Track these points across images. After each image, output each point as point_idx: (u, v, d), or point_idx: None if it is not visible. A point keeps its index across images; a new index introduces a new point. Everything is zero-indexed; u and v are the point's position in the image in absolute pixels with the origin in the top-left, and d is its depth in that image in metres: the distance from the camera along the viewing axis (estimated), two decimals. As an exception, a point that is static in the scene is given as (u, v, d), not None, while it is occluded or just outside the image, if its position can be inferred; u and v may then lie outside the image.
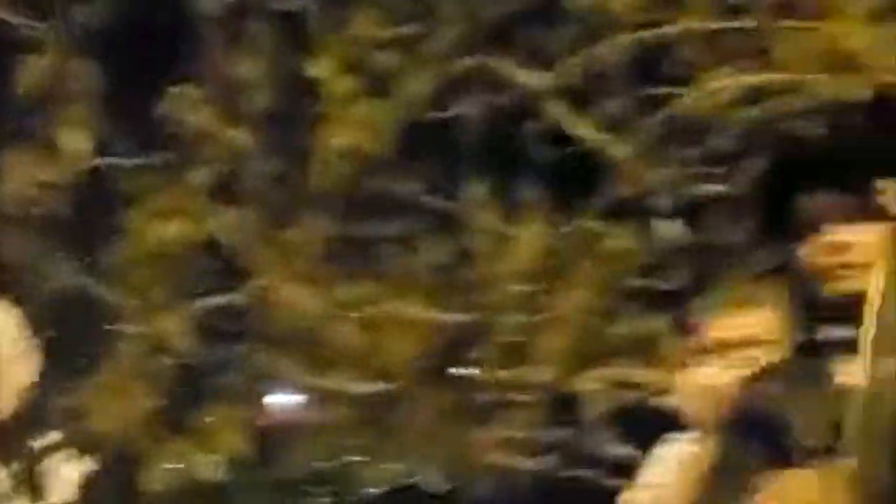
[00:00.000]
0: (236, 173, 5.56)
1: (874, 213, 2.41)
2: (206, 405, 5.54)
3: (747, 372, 2.71)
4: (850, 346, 2.39)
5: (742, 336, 2.98)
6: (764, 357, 2.79)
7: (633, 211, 5.26)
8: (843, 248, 2.45)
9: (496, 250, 5.43)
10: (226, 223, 5.54)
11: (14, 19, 5.39)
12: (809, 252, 2.49)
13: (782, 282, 2.69)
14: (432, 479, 5.64)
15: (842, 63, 4.74)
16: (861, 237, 2.47)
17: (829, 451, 2.37)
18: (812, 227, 2.49)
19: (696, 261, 5.17)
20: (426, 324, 5.43)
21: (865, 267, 2.40)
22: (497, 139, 5.45)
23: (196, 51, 5.47)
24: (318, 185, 5.51)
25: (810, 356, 2.54)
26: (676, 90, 5.14)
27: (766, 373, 2.62)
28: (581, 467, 5.47)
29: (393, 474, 5.81)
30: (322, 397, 5.64)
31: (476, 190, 5.46)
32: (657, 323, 5.18)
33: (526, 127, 5.37)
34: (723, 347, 3.01)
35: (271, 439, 5.81)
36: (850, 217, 2.47)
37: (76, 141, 5.41)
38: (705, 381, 2.98)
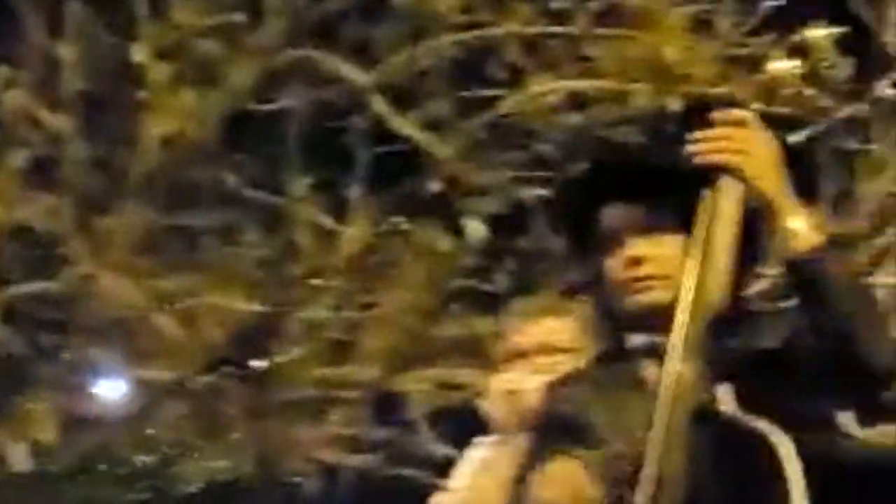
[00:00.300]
0: (53, 158, 5.45)
1: (675, 226, 2.44)
2: (22, 394, 5.44)
3: (550, 377, 2.75)
4: (654, 353, 2.43)
5: (542, 342, 3.03)
6: (567, 364, 2.82)
7: (452, 211, 5.28)
8: (641, 261, 2.46)
9: (320, 246, 5.41)
10: (42, 209, 5.43)
11: None
12: (612, 264, 2.51)
13: (590, 292, 2.71)
14: (254, 475, 5.60)
15: (659, 73, 4.81)
16: (659, 250, 2.50)
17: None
18: (615, 238, 2.50)
19: (518, 265, 5.21)
20: (247, 317, 5.39)
21: (665, 279, 2.44)
22: (323, 134, 5.42)
23: (12, 30, 5.34)
24: (139, 173, 5.43)
25: (616, 362, 2.56)
26: (499, 93, 5.16)
27: (569, 378, 2.63)
28: (405, 466, 5.49)
29: (213, 470, 5.76)
30: (142, 389, 5.57)
31: (301, 184, 5.43)
32: (482, 325, 5.22)
33: (351, 123, 5.35)
34: (524, 353, 3.06)
35: (89, 431, 5.73)
36: (652, 229, 2.48)
37: None
38: (507, 386, 3.02)
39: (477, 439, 3.12)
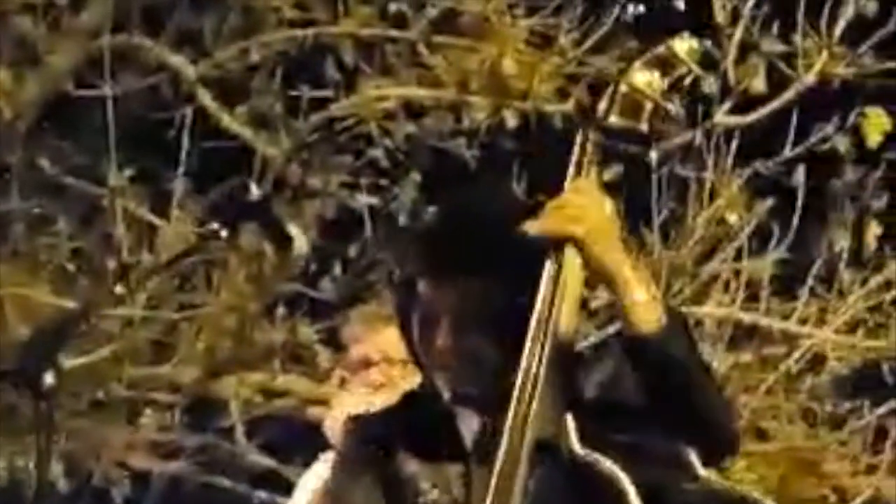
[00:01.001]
0: None
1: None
2: None
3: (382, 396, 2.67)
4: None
5: (384, 353, 2.98)
6: (409, 376, 2.76)
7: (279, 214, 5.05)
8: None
9: (140, 240, 5.16)
10: None
11: None
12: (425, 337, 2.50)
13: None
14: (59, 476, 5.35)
15: (497, 86, 4.65)
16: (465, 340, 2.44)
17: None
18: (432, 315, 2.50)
19: (350, 272, 5.04)
20: (56, 310, 5.12)
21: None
22: (147, 124, 5.16)
23: None
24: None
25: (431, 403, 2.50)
26: (332, 95, 4.95)
27: (379, 416, 2.61)
28: (220, 475, 5.30)
29: (14, 470, 5.49)
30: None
31: (120, 175, 5.16)
32: (309, 331, 5.06)
33: (176, 115, 5.10)
34: (366, 363, 2.99)
35: None
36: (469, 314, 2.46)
37: None
38: (350, 407, 2.94)
39: (322, 456, 3.01)
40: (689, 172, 4.80)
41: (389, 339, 2.96)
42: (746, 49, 4.91)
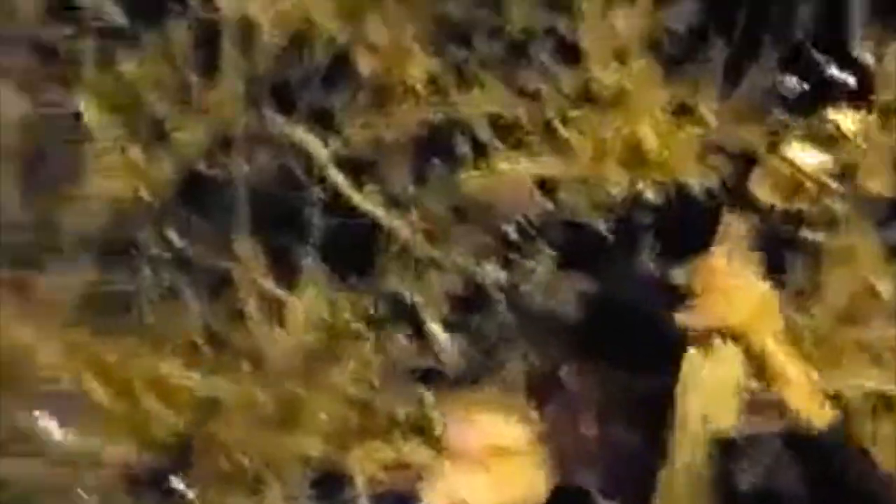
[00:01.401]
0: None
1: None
2: None
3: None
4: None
5: (489, 443, 2.87)
6: (517, 469, 2.68)
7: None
8: None
9: (269, 314, 5.22)
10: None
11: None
12: None
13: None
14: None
15: (636, 159, 4.69)
16: None
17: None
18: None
19: (478, 348, 5.07)
20: (185, 387, 5.19)
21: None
22: (276, 200, 5.23)
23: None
24: (78, 231, 5.21)
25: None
26: (465, 170, 5.02)
27: None
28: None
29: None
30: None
31: (250, 250, 5.23)
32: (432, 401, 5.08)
33: (306, 191, 5.17)
34: (469, 451, 2.90)
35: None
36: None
37: None
38: (453, 497, 2.90)
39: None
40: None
41: (497, 428, 2.90)
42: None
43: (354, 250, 5.15)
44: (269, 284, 5.24)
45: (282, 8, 4.97)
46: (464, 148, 4.98)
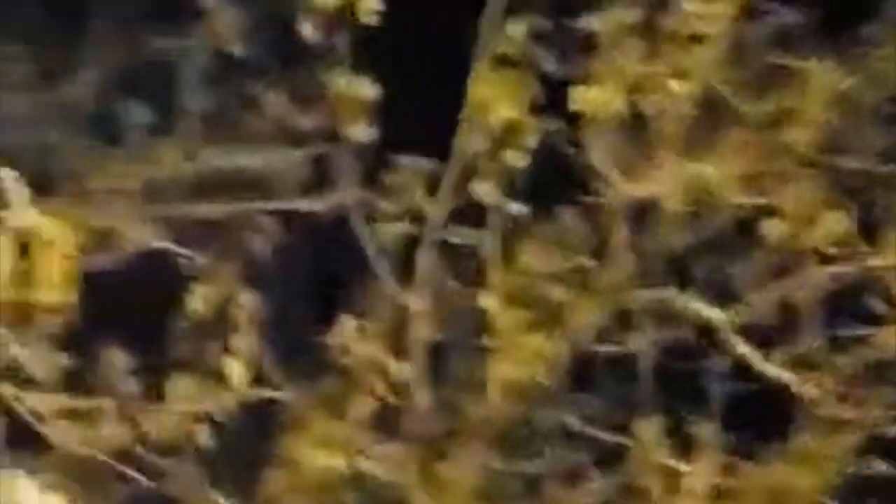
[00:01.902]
0: (397, 405, 5.28)
1: None
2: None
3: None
4: None
5: None
6: None
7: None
8: None
9: (666, 487, 5.30)
10: (383, 456, 5.25)
11: (181, 249, 5.03)
12: None
13: None
14: None
15: None
16: None
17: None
18: None
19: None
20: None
21: None
22: (671, 373, 5.34)
23: (364, 282, 5.21)
24: (481, 419, 5.28)
25: None
26: (873, 329, 5.15)
27: None
28: None
29: None
30: None
31: (647, 424, 5.33)
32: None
33: (703, 362, 5.29)
34: None
35: None
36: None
37: (238, 371, 5.04)
38: None
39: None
40: None
41: None
42: None
43: (756, 416, 5.26)
44: (665, 456, 5.33)
45: (683, 182, 5.12)
46: (877, 305, 5.10)
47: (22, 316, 4.88)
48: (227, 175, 5.39)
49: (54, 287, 3.70)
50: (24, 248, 4.27)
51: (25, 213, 3.51)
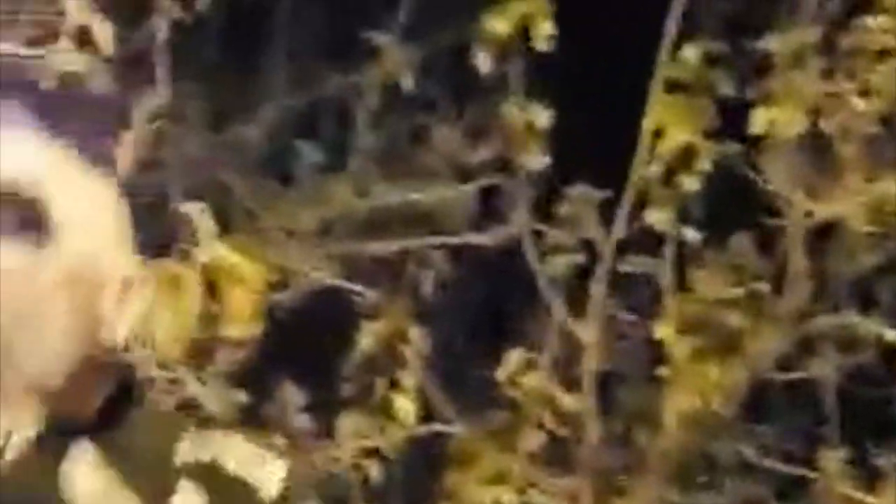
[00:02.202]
0: (568, 439, 5.23)
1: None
2: None
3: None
4: None
5: None
6: None
7: None
8: None
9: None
10: (555, 490, 5.19)
11: (352, 286, 5.07)
12: None
13: None
14: None
15: None
16: None
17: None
18: None
19: None
20: None
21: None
22: (854, 401, 5.19)
23: (535, 314, 5.18)
24: (657, 451, 5.19)
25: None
26: None
27: None
28: None
29: None
30: None
31: (830, 455, 5.18)
32: None
33: (888, 389, 5.13)
34: None
35: None
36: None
37: (407, 406, 5.04)
38: None
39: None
40: None
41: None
42: None
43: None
44: (849, 488, 5.17)
45: (867, 202, 4.97)
46: None
47: (203, 352, 4.97)
48: (398, 211, 5.42)
49: (242, 322, 3.73)
50: (211, 284, 4.33)
51: (214, 249, 3.53)
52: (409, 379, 5.00)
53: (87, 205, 1.80)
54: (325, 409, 5.12)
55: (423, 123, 5.58)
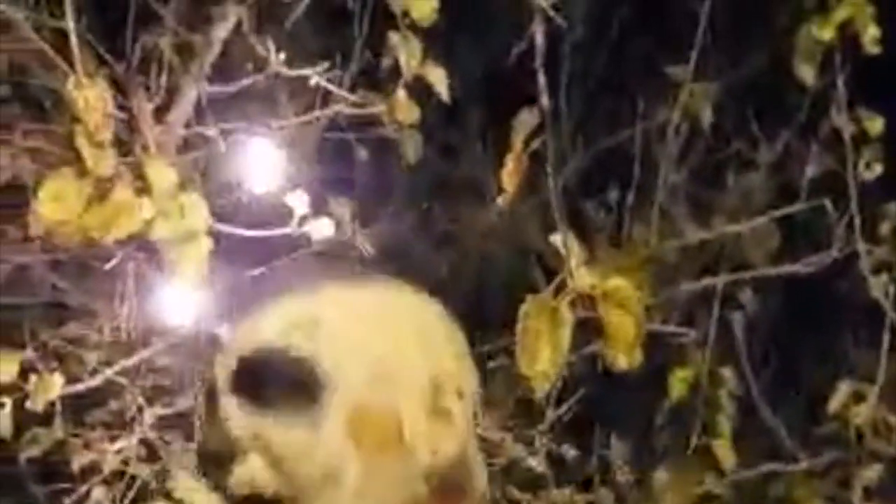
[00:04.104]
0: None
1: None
2: None
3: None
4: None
5: None
6: None
7: None
8: None
9: None
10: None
11: (665, 328, 4.94)
12: None
13: None
14: None
15: None
16: None
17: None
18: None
19: None
20: None
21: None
22: None
23: (860, 340, 4.94)
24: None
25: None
26: None
27: None
28: None
29: None
30: None
31: None
32: None
33: None
34: None
35: None
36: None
37: (725, 452, 4.87)
38: None
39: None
40: None
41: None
42: None
43: None
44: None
45: None
46: None
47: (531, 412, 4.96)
48: (705, 249, 5.27)
49: (627, 349, 3.59)
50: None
51: (586, 276, 3.43)
52: (724, 422, 4.84)
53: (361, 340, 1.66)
54: (642, 460, 5.02)
55: (723, 156, 5.41)
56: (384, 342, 1.66)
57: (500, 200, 3.71)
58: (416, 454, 1.63)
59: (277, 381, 1.62)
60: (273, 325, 1.66)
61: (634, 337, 3.25)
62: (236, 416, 1.64)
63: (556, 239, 3.38)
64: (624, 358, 3.25)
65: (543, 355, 3.22)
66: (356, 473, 1.61)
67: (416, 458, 1.63)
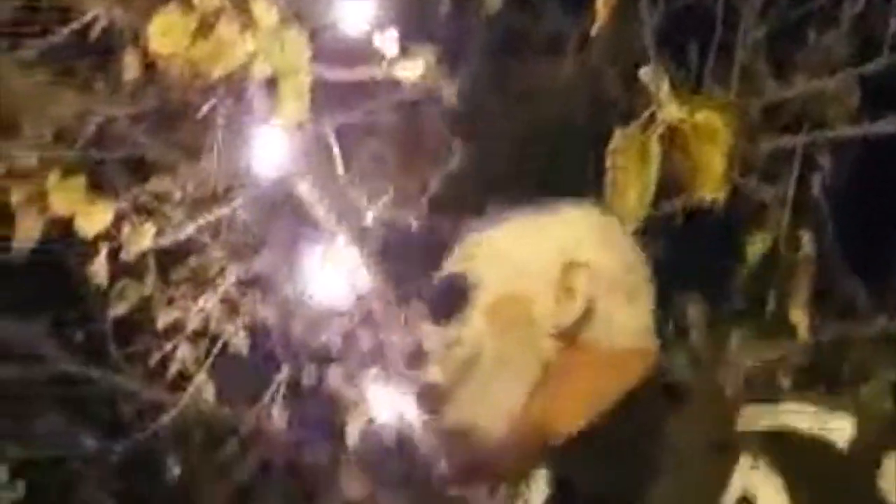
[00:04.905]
0: None
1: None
2: None
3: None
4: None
5: None
6: None
7: None
8: None
9: None
10: None
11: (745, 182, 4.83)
12: None
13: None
14: None
15: None
16: None
17: None
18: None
19: None
20: None
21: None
22: None
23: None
24: None
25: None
26: None
27: None
28: None
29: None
30: None
31: None
32: None
33: None
34: None
35: None
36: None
37: (801, 318, 4.83)
38: None
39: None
40: None
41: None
42: None
43: None
44: None
45: None
46: None
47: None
48: (785, 108, 5.17)
49: (714, 182, 3.47)
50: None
51: (675, 110, 3.38)
52: (801, 288, 4.80)
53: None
54: (718, 324, 5.00)
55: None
56: (523, 249, 1.98)
57: (594, 28, 3.63)
58: (542, 325, 1.94)
59: (451, 295, 1.98)
60: (455, 258, 2.03)
61: (724, 170, 3.21)
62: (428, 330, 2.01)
63: (646, 71, 3.33)
64: (708, 188, 3.21)
65: (632, 193, 3.22)
66: (491, 348, 1.93)
67: (541, 328, 1.93)
